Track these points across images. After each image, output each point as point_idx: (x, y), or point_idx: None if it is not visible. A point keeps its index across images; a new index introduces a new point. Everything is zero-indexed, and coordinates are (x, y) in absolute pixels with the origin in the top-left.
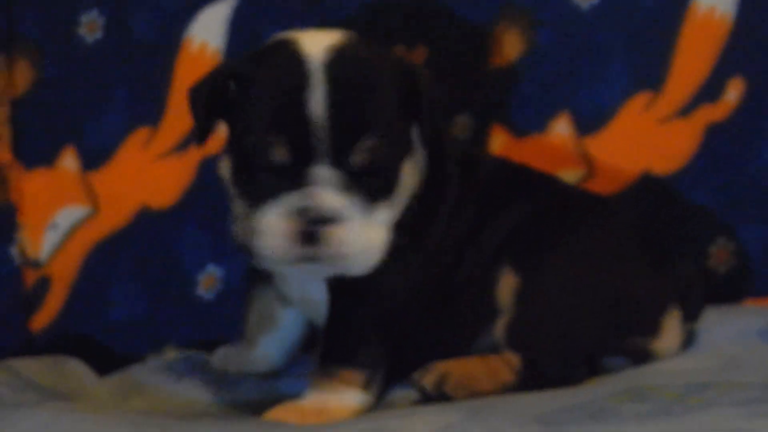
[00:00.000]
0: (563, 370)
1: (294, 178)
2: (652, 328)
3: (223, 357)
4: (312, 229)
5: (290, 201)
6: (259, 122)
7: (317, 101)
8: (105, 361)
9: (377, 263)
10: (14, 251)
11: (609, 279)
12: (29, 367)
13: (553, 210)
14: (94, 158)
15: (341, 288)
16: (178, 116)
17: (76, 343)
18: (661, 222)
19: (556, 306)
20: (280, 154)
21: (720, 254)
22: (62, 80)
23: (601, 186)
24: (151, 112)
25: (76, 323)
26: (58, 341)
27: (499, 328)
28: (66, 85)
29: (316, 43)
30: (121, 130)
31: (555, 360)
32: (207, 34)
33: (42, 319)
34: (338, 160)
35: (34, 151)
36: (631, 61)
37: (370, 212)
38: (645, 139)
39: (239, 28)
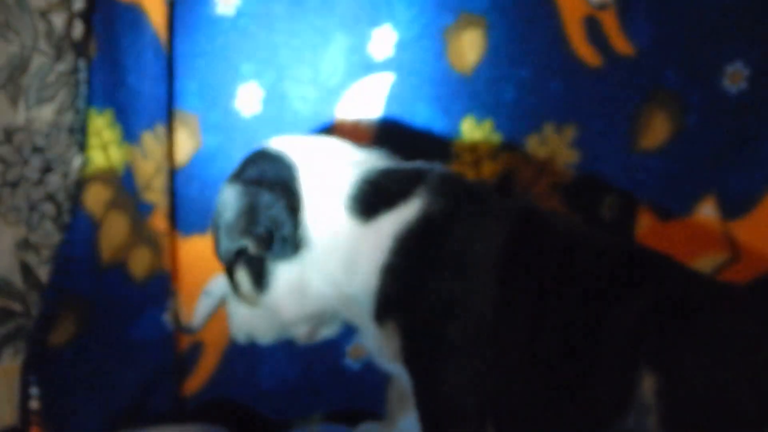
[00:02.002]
0: None
1: None
2: None
3: None
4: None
5: None
6: None
7: None
8: (254, 427)
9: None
10: (168, 317)
11: (748, 371)
12: None
13: (683, 300)
14: None
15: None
16: None
17: (226, 409)
18: None
19: (705, 399)
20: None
21: None
22: (221, 151)
23: (744, 271)
24: None
25: (227, 389)
26: (209, 406)
27: (651, 424)
28: (224, 156)
29: None
30: None
31: None
32: (361, 111)
33: (194, 384)
34: None
35: (191, 220)
36: None
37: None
38: None
39: (393, 105)
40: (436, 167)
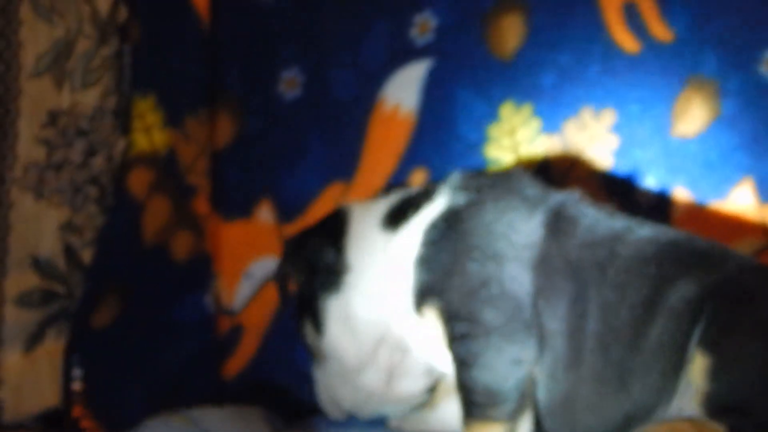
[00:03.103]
0: None
1: None
2: None
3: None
4: None
5: None
6: None
7: None
8: (293, 410)
9: None
10: (209, 299)
11: None
12: (210, 416)
13: (735, 283)
14: (289, 211)
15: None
16: (371, 173)
17: (266, 391)
18: None
19: (751, 376)
20: None
21: None
22: (261, 135)
23: None
24: (345, 168)
25: (267, 371)
26: (249, 388)
27: (695, 403)
28: (265, 140)
29: None
30: (317, 184)
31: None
32: (401, 95)
33: (234, 366)
34: None
35: (232, 203)
36: None
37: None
38: None
39: (432, 90)
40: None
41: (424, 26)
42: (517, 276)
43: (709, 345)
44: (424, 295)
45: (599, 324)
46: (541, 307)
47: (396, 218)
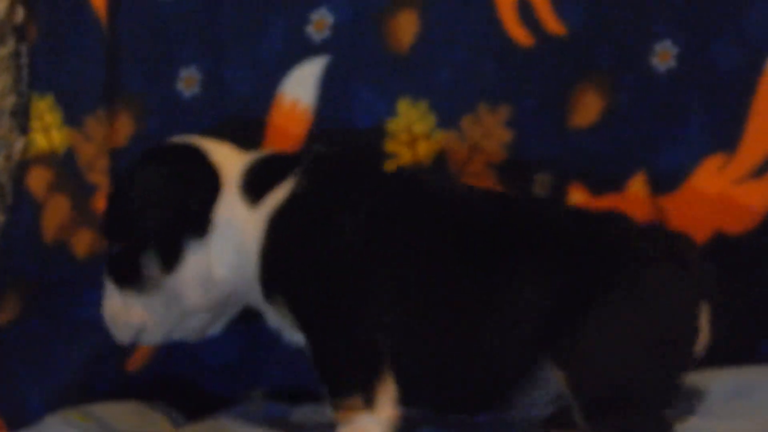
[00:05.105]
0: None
1: None
2: None
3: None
4: None
5: None
6: None
7: None
8: (196, 403)
9: None
10: None
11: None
12: (110, 411)
13: (595, 285)
14: None
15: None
16: None
17: (170, 385)
18: (733, 282)
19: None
20: None
21: None
22: (160, 133)
23: None
24: None
25: (171, 365)
26: (153, 383)
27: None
28: (164, 138)
29: None
30: None
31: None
32: (298, 92)
33: (137, 361)
34: None
35: None
36: (706, 123)
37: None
38: (719, 200)
39: (330, 86)
40: (316, 147)
41: (320, 23)
42: (353, 257)
43: (561, 359)
44: (270, 287)
45: (443, 295)
46: (378, 281)
47: (251, 191)
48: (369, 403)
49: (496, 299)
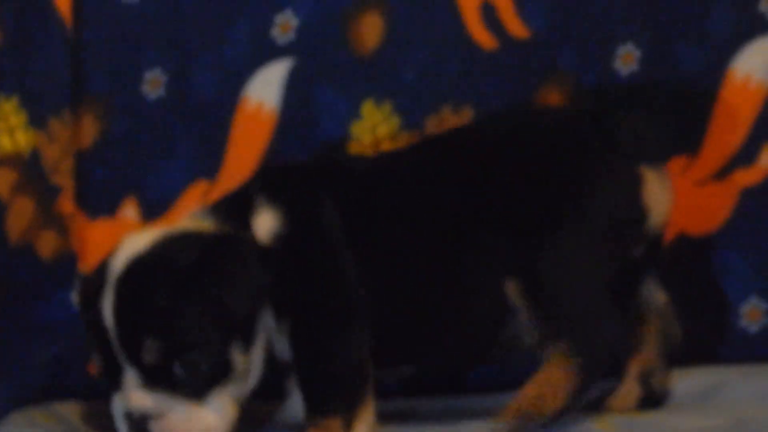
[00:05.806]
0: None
1: (115, 382)
2: None
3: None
4: (143, 427)
5: (117, 404)
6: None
7: (107, 311)
8: None
9: None
10: (74, 297)
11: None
12: (74, 411)
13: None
14: (153, 209)
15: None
16: (235, 171)
17: None
18: (694, 281)
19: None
20: (98, 362)
21: (752, 314)
22: (126, 135)
23: None
24: (209, 167)
25: None
26: None
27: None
28: (129, 139)
29: (123, 252)
30: (181, 183)
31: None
32: (263, 94)
33: None
34: (135, 362)
35: (97, 202)
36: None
37: (200, 398)
38: (681, 201)
39: (294, 88)
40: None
41: (285, 26)
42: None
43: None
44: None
45: (410, 260)
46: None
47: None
48: (347, 426)
49: (458, 241)
